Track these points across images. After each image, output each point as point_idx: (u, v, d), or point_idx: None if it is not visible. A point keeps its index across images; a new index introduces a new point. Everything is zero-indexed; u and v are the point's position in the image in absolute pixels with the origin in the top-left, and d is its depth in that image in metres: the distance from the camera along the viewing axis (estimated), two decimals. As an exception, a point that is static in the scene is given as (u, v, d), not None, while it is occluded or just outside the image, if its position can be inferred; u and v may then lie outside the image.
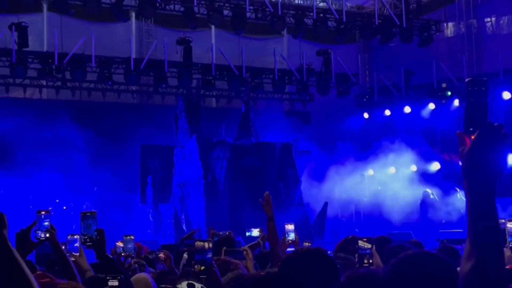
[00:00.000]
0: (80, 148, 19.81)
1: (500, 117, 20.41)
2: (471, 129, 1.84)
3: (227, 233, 6.68)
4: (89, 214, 3.90)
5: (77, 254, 4.18)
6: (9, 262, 1.86)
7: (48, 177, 18.98)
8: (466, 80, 1.91)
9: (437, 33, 23.61)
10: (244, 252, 5.24)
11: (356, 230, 19.31)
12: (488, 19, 24.10)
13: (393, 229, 17.91)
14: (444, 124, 22.96)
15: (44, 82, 21.08)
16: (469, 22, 24.14)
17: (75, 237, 4.24)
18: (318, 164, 22.22)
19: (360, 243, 4.03)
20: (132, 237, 4.86)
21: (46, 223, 3.88)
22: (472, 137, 1.82)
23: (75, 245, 4.20)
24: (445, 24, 24.80)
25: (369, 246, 4.02)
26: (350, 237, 5.52)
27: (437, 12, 25.08)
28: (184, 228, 17.96)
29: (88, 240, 3.86)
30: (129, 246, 4.81)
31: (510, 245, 4.64)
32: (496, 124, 1.80)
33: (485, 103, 1.86)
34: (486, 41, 23.79)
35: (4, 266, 1.86)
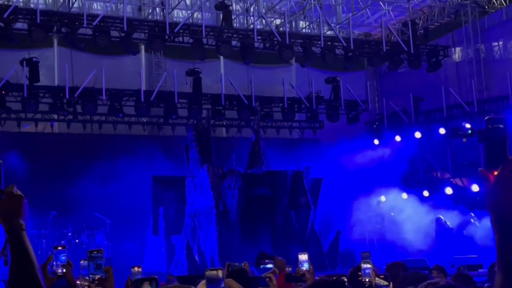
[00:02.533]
0: (92, 180, 19.88)
1: (511, 140, 20.32)
2: (492, 165, 1.87)
3: (243, 264, 6.64)
4: (96, 252, 3.90)
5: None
6: (20, 254, 2.02)
7: (60, 210, 19.02)
8: (485, 118, 1.95)
9: (445, 59, 23.67)
10: (267, 279, 5.20)
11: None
12: (496, 44, 24.15)
13: (407, 255, 17.76)
14: (455, 149, 22.91)
15: (55, 116, 21.24)
16: (477, 47, 24.20)
17: (85, 262, 4.26)
18: (330, 191, 22.15)
19: (377, 279, 3.99)
20: (140, 269, 4.78)
21: (63, 258, 3.91)
22: (495, 173, 1.85)
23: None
24: (453, 49, 24.87)
25: (386, 283, 3.98)
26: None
27: (445, 37, 25.18)
28: (197, 258, 17.89)
29: (96, 279, 3.87)
30: (137, 278, 4.72)
31: None
32: None
33: (504, 140, 1.90)
34: (494, 66, 23.81)
35: (16, 257, 2.01)
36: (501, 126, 1.93)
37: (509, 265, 1.78)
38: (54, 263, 3.85)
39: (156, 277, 2.61)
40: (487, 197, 1.85)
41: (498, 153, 1.89)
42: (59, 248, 3.98)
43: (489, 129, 1.93)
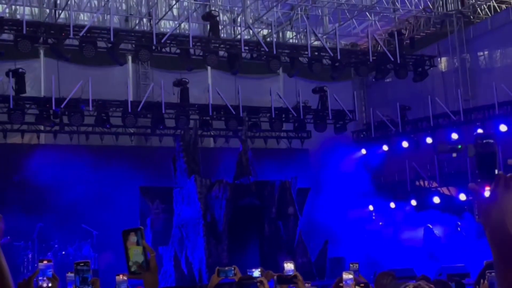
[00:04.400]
0: (79, 191, 19.75)
1: (498, 149, 20.43)
2: (484, 180, 1.88)
3: (233, 268, 6.59)
4: (82, 264, 3.86)
5: None
6: None
7: (46, 222, 18.88)
8: (475, 134, 1.96)
9: (431, 68, 23.81)
10: (259, 283, 5.17)
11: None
12: (481, 53, 24.34)
13: (395, 265, 17.77)
14: (442, 158, 22.99)
15: (41, 127, 21.12)
16: (462, 57, 24.37)
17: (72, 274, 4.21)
18: (317, 201, 22.14)
19: None
20: (125, 277, 4.58)
21: (49, 272, 3.87)
22: (487, 187, 1.86)
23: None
24: (439, 59, 25.03)
25: None
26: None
27: (431, 47, 25.35)
28: (184, 270, 17.80)
29: None
30: (122, 287, 4.57)
31: None
32: (509, 174, 1.83)
33: (494, 154, 1.91)
34: (480, 75, 23.99)
35: None
36: (490, 141, 1.93)
37: (509, 281, 1.77)
38: (40, 277, 3.81)
39: (142, 227, 2.65)
40: (481, 214, 1.84)
41: (489, 167, 1.90)
42: (45, 262, 3.93)
43: (479, 145, 1.93)
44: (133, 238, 2.56)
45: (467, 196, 21.59)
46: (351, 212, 22.09)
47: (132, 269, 2.55)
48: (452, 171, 22.74)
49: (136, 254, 2.56)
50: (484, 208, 1.82)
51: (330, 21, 26.02)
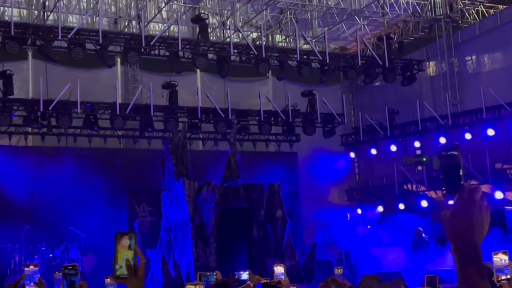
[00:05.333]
0: (66, 194, 19.66)
1: (485, 154, 20.56)
2: (449, 193, 1.89)
3: (215, 273, 6.60)
4: (70, 268, 3.83)
5: None
6: None
7: (33, 224, 18.77)
8: (439, 146, 1.97)
9: (420, 72, 23.91)
10: None
11: (345, 271, 19.14)
12: (469, 58, 24.46)
13: (383, 268, 17.81)
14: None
15: (29, 129, 21.00)
16: (450, 61, 24.48)
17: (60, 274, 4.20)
18: (306, 204, 22.16)
19: None
20: (113, 280, 4.56)
21: (35, 277, 3.85)
22: (450, 202, 1.87)
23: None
24: (427, 63, 25.13)
25: None
26: (329, 279, 5.46)
27: (419, 51, 25.46)
28: (172, 273, 17.75)
29: None
30: None
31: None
32: (472, 186, 1.85)
33: (458, 166, 1.91)
34: (467, 79, 24.10)
35: None
36: (454, 153, 1.94)
37: (467, 277, 1.78)
38: (26, 281, 3.79)
39: (137, 233, 2.62)
40: (445, 227, 1.85)
41: (453, 180, 1.90)
42: (31, 267, 3.91)
43: (442, 156, 1.93)
44: (125, 241, 2.51)
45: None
46: (339, 215, 22.11)
47: (118, 273, 2.49)
48: (439, 175, 22.79)
49: (125, 258, 2.51)
50: (448, 218, 1.84)
51: (319, 25, 26.08)
